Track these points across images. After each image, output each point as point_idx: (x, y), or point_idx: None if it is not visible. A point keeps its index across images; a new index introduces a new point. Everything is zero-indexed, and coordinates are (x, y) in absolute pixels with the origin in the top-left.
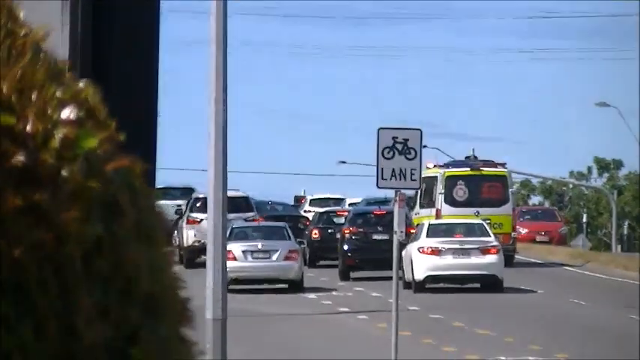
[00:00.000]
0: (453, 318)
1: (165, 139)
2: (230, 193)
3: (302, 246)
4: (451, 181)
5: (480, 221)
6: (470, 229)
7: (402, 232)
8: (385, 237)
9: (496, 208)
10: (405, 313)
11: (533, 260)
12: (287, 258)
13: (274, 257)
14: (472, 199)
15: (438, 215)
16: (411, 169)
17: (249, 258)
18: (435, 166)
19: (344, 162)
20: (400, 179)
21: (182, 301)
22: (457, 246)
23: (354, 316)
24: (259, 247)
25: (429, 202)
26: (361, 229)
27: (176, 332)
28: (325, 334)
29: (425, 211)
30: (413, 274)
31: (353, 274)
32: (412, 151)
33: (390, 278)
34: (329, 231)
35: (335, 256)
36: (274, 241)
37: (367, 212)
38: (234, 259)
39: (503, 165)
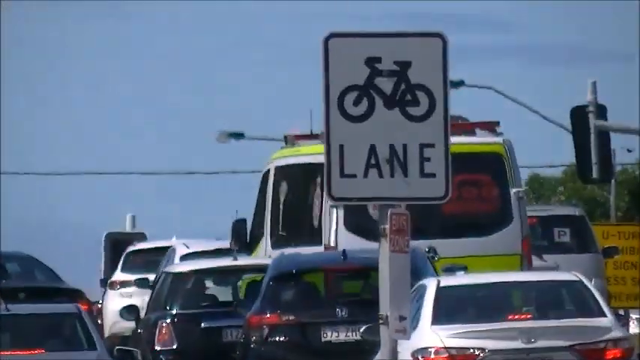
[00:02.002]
0: None
1: None
2: None
3: None
4: None
5: (578, 277)
6: (542, 297)
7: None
8: (348, 337)
9: (482, 235)
10: None
11: None
12: None
13: None
14: (416, 218)
15: None
16: None
17: None
18: (307, 136)
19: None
20: None
21: None
22: (519, 343)
23: None
24: None
25: (298, 228)
26: (292, 317)
27: None
28: None
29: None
30: None
31: None
32: None
33: None
34: (202, 326)
35: None
36: (47, 354)
37: (310, 269)
38: None
39: (493, 126)
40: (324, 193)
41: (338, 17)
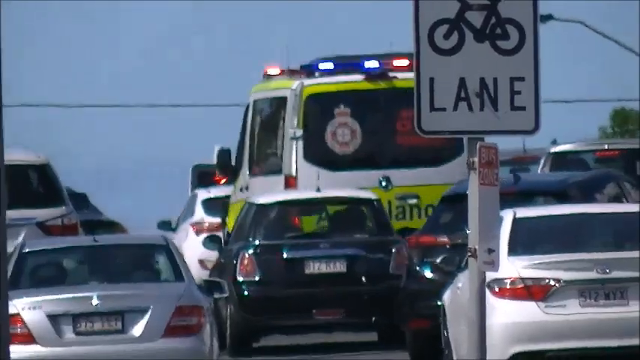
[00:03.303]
0: None
1: None
2: (11, 156)
3: (218, 295)
4: (319, 107)
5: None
6: (617, 228)
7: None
8: None
9: (435, 166)
10: None
11: None
12: (174, 329)
13: (136, 329)
14: (370, 149)
15: (289, 189)
16: None
17: (69, 335)
18: (282, 72)
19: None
20: None
21: None
22: (594, 274)
23: None
24: (94, 302)
25: (267, 158)
26: (445, 238)
27: None
28: None
29: (259, 182)
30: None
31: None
32: None
33: None
34: (284, 256)
35: (305, 321)
36: (134, 285)
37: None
38: (30, 338)
39: None
40: (287, 126)
41: None
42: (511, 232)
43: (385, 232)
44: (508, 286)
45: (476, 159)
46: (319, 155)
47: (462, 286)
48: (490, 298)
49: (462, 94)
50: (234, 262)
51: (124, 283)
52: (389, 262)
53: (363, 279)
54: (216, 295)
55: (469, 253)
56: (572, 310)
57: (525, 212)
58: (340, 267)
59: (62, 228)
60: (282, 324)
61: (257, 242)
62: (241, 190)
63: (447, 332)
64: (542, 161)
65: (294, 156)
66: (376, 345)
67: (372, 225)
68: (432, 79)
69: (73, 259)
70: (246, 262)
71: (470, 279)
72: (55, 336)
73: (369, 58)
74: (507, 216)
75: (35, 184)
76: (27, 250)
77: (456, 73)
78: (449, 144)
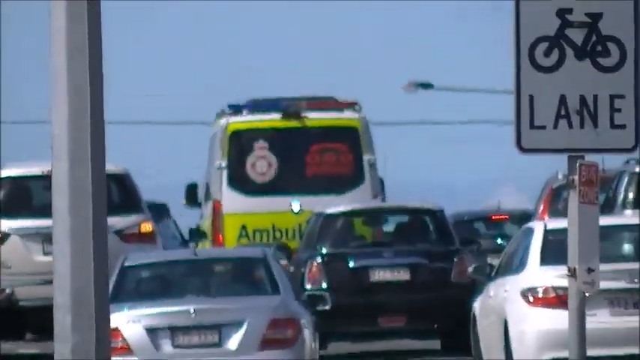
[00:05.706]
0: None
1: None
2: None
3: (321, 308)
4: (241, 143)
5: None
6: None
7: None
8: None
9: (339, 194)
10: None
11: None
12: (269, 342)
13: (232, 342)
14: (285, 178)
15: (216, 212)
16: None
17: (167, 348)
18: (220, 114)
19: None
20: None
21: None
22: (623, 283)
23: None
24: (192, 316)
25: (208, 186)
26: None
27: None
28: None
29: (205, 208)
30: (511, 354)
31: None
32: None
33: None
34: (350, 265)
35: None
36: (231, 298)
37: None
38: (129, 351)
39: (353, 106)
40: (215, 158)
41: None
42: (542, 242)
43: (448, 241)
44: (540, 295)
45: (576, 177)
46: (241, 183)
47: (493, 294)
48: (524, 306)
49: (563, 112)
50: (302, 270)
51: (220, 297)
52: (451, 271)
53: (426, 287)
54: (319, 308)
55: (569, 273)
56: (602, 319)
57: (556, 224)
58: (404, 275)
59: (139, 236)
60: (348, 330)
61: (324, 251)
62: (201, 217)
63: (478, 338)
64: (623, 180)
65: (219, 184)
66: (439, 352)
67: (434, 234)
68: (531, 97)
69: (173, 272)
70: (314, 270)
71: (569, 299)
72: (153, 349)
73: (288, 99)
74: (538, 227)
75: (113, 194)
76: (128, 264)
77: (556, 91)
78: (352, 174)
